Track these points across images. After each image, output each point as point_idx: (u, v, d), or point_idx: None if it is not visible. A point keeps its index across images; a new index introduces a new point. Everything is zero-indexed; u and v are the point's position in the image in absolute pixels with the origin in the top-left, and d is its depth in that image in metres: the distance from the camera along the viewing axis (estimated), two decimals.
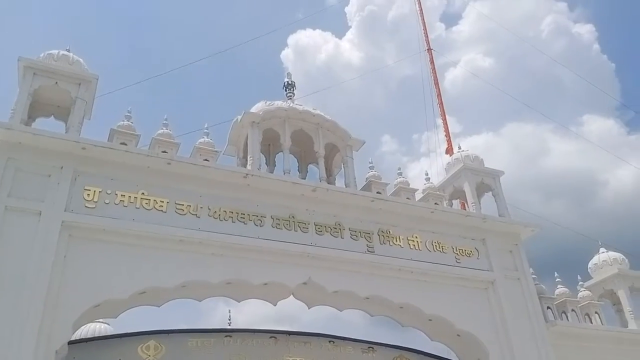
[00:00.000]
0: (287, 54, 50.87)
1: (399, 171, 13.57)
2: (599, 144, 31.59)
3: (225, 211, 10.39)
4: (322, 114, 12.83)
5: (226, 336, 11.72)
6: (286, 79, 14.22)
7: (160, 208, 9.87)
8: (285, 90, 13.97)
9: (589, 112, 45.57)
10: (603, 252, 15.21)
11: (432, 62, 33.80)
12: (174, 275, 9.54)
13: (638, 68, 53.35)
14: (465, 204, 14.14)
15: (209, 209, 10.27)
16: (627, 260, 14.98)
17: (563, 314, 13.10)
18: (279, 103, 12.79)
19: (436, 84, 32.66)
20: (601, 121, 46.57)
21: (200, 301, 10.69)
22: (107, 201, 9.49)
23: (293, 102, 13.27)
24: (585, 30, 49.65)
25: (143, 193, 9.84)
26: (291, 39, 50.71)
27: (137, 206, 9.68)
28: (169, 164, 10.19)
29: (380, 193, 12.25)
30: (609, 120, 48.74)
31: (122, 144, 10.11)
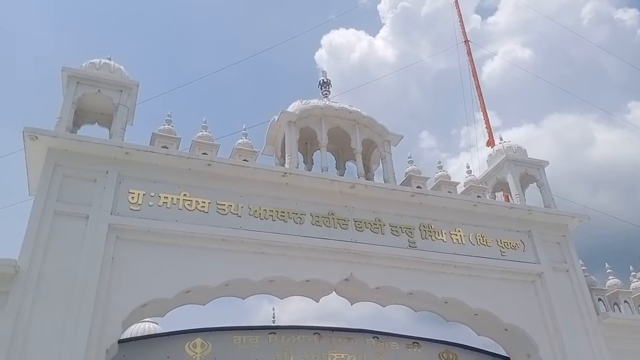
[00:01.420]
0: (321, 55, 51.08)
1: (439, 165, 13.37)
2: None
3: (265, 210, 10.50)
4: (359, 110, 12.79)
5: (270, 333, 11.83)
6: (321, 77, 14.23)
7: (202, 208, 10.05)
8: (321, 89, 13.98)
9: (635, 100, 43.80)
10: None
11: (469, 54, 33.22)
12: (217, 274, 9.70)
13: None
14: (509, 196, 13.82)
15: (250, 208, 10.40)
16: None
17: (615, 306, 12.62)
18: (314, 101, 12.82)
19: (475, 76, 32.08)
20: None
21: (243, 299, 10.84)
22: (150, 203, 9.74)
23: (329, 100, 13.29)
24: (629, 16, 47.93)
25: (185, 194, 10.05)
26: (325, 40, 50.89)
27: (180, 207, 9.90)
28: (209, 165, 10.38)
29: (420, 188, 12.11)
30: None
31: (163, 147, 10.36)
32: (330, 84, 14.19)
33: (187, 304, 10.07)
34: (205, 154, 10.69)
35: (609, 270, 13.57)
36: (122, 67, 11.21)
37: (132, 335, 13.41)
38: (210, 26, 54.86)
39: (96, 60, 11.03)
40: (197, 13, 52.93)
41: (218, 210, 10.16)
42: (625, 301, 12.73)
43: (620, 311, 12.52)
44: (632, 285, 13.40)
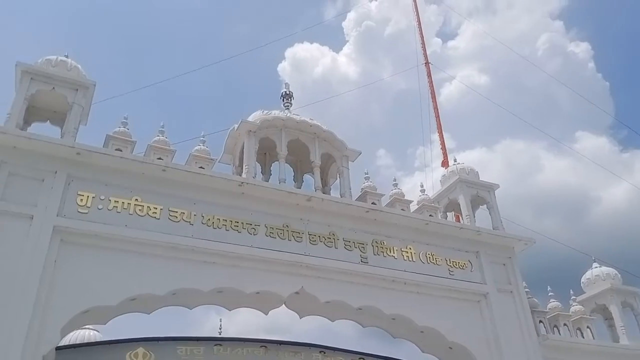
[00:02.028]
0: (284, 67, 51.23)
1: (394, 182, 13.60)
2: (592, 161, 31.69)
3: (219, 219, 10.39)
4: (319, 124, 12.88)
5: (216, 345, 11.65)
6: (284, 89, 14.28)
7: (154, 215, 9.86)
8: (283, 101, 14.02)
9: (582, 130, 45.89)
10: (596, 267, 15.22)
11: (429, 75, 34.01)
12: (165, 283, 9.50)
13: (632, 87, 53.92)
14: (460, 217, 14.17)
15: (203, 216, 10.27)
16: (619, 275, 15.00)
17: (555, 328, 13.10)
18: (276, 112, 12.83)
19: (433, 97, 32.83)
20: (594, 139, 46.99)
21: (191, 309, 10.65)
22: (100, 207, 9.47)
23: (290, 112, 13.32)
24: (581, 49, 50.26)
25: (137, 199, 9.83)
26: (289, 52, 51.12)
27: (131, 212, 9.67)
28: (164, 170, 10.20)
29: (375, 204, 12.27)
30: (602, 138, 49.08)
31: (117, 149, 10.13)
32: (292, 96, 14.25)
33: (131, 312, 9.81)
34: (160, 159, 10.51)
35: (550, 293, 14.09)
36: (79, 65, 10.93)
37: (71, 343, 12.90)
38: (176, 32, 54.27)
39: (52, 57, 10.72)
40: (163, 18, 52.26)
41: (170, 217, 9.98)
42: (564, 324, 13.22)
43: (559, 333, 12.99)
44: (572, 308, 13.94)
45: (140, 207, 9.80)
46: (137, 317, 9.93)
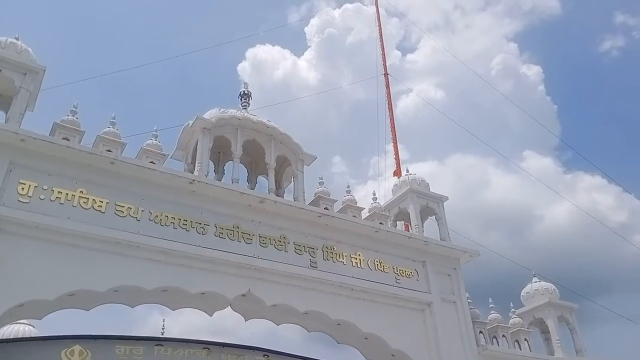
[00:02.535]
0: (244, 67, 50.82)
1: (347, 189, 13.69)
2: (537, 179, 32.92)
3: (167, 216, 10.17)
4: (276, 126, 12.83)
5: (157, 345, 11.32)
6: (242, 89, 14.15)
7: (99, 208, 9.54)
8: (241, 100, 13.89)
9: (530, 149, 47.64)
10: (535, 282, 15.77)
11: (387, 87, 34.45)
12: (106, 279, 9.20)
13: (578, 112, 56.45)
14: (409, 226, 14.40)
15: (151, 212, 10.02)
16: (557, 290, 15.60)
17: (494, 339, 13.46)
18: (233, 111, 12.69)
19: (390, 108, 33.27)
20: (540, 159, 48.90)
21: (132, 307, 10.39)
22: (42, 197, 9.09)
23: (248, 112, 13.20)
24: (532, 72, 52.27)
25: (82, 191, 9.50)
26: (250, 53, 50.76)
27: (74, 204, 9.33)
28: (112, 163, 9.90)
29: (327, 209, 12.31)
30: (548, 158, 51.14)
31: (64, 139, 9.76)
32: (250, 96, 14.14)
33: (69, 307, 9.45)
34: (109, 150, 10.19)
35: (491, 305, 14.49)
36: (30, 49, 10.49)
37: (4, 337, 12.31)
38: (136, 22, 52.90)
39: (2, 39, 10.26)
40: (124, 7, 50.84)
41: (116, 212, 9.69)
42: (503, 335, 13.61)
43: (498, 344, 13.37)
44: (511, 321, 14.38)
45: (85, 200, 9.46)
46: (76, 313, 9.60)
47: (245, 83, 14.47)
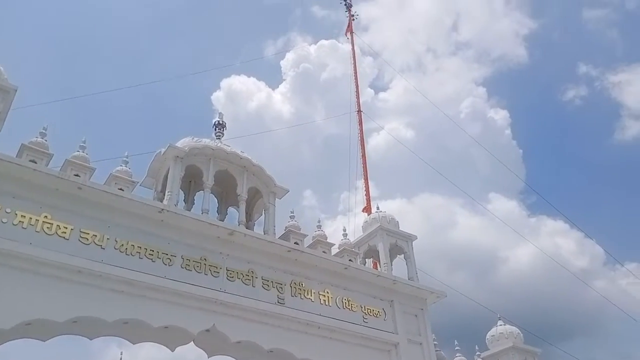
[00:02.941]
0: (218, 96, 50.81)
1: (318, 224, 13.61)
2: (503, 222, 33.51)
3: (133, 245, 9.89)
4: (250, 157, 12.76)
5: None
6: (217, 119, 14.09)
7: (63, 234, 9.22)
8: (215, 129, 13.81)
9: (496, 192, 48.64)
10: (500, 325, 15.88)
11: (360, 124, 34.82)
12: (66, 309, 8.83)
13: (543, 157, 58.24)
14: (378, 264, 14.37)
15: (116, 241, 9.73)
16: (521, 335, 15.73)
17: None
18: (206, 141, 12.59)
19: (362, 145, 33.56)
20: (506, 202, 49.90)
21: (91, 339, 9.97)
22: (4, 220, 8.74)
23: (221, 142, 13.12)
24: (500, 116, 53.83)
25: (46, 216, 9.17)
26: (225, 83, 50.85)
27: (38, 229, 8.99)
28: (80, 188, 9.62)
29: (298, 244, 12.20)
30: (513, 201, 52.29)
31: (31, 161, 9.48)
32: (225, 126, 14.07)
33: (25, 337, 9.04)
34: (77, 175, 9.94)
35: (457, 348, 14.49)
36: (1, 67, 10.24)
37: None
38: (111, 46, 52.48)
39: None
40: (100, 31, 50.50)
41: (80, 239, 9.37)
42: None
43: None
44: None
45: (49, 225, 9.14)
46: (32, 343, 9.15)
47: (220, 113, 14.44)
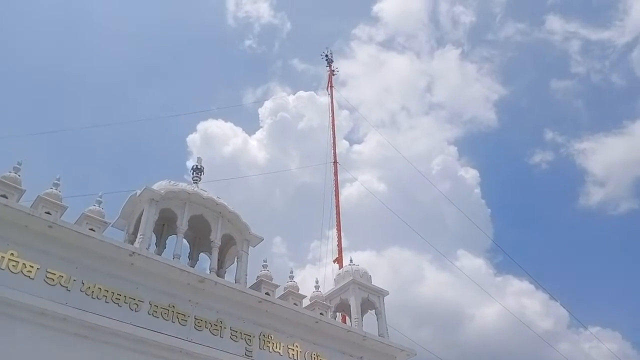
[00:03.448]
0: (194, 139, 50.66)
1: (290, 274, 13.47)
2: (470, 279, 33.67)
3: (100, 288, 9.61)
4: (226, 204, 12.71)
5: None
6: (195, 163, 14.13)
7: (29, 273, 8.92)
8: (192, 174, 13.79)
9: (464, 249, 49.06)
10: None
11: (336, 174, 35.17)
12: (25, 352, 8.42)
13: (510, 217, 59.23)
14: (347, 318, 14.18)
15: (83, 283, 9.45)
16: None
17: None
18: (183, 185, 12.53)
19: (336, 195, 33.78)
20: (473, 259, 50.13)
21: None
22: None
23: (198, 187, 13.06)
24: (469, 175, 54.75)
25: (13, 253, 8.90)
26: (201, 126, 50.88)
27: (2, 267, 8.70)
28: (50, 227, 9.38)
29: (269, 294, 12.01)
30: (480, 259, 52.67)
31: (2, 196, 9.26)
32: (202, 170, 14.09)
33: None
34: (48, 213, 9.71)
35: None
36: None
37: None
38: (88, 83, 52.33)
39: None
40: (76, 67, 50.36)
41: (46, 279, 9.08)
42: None
43: None
44: None
45: (14, 263, 8.84)
46: None
47: (198, 158, 14.50)
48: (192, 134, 50.06)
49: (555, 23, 57.08)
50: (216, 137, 51.99)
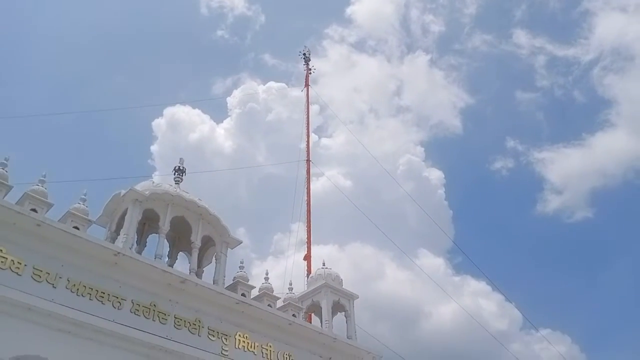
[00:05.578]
0: (159, 124, 50.01)
1: (265, 276, 13.92)
2: (430, 277, 34.62)
3: (84, 286, 9.90)
4: (207, 206, 13.08)
5: None
6: (178, 164, 14.39)
7: (16, 270, 9.16)
8: (175, 174, 14.08)
9: (424, 248, 50.18)
10: None
11: (308, 172, 35.61)
12: (10, 346, 8.68)
13: (471, 220, 60.83)
14: (314, 317, 14.73)
15: (69, 281, 9.74)
16: None
17: None
18: (166, 186, 12.85)
19: (308, 193, 34.28)
20: (433, 258, 51.33)
21: None
22: None
23: (180, 188, 13.37)
24: (434, 176, 55.84)
25: (1, 250, 9.11)
26: (168, 111, 50.20)
27: None
28: (38, 225, 9.61)
29: (245, 295, 12.46)
30: (440, 259, 53.97)
31: None
32: (185, 172, 14.36)
33: None
34: (34, 210, 9.93)
35: None
36: None
37: None
38: (56, 70, 51.13)
39: None
40: (42, 51, 49.17)
41: (33, 276, 9.33)
42: None
43: None
44: None
45: (2, 260, 9.06)
46: None
47: (181, 158, 14.72)
48: (157, 118, 49.56)
49: (522, 37, 59.05)
50: (182, 123, 51.56)
